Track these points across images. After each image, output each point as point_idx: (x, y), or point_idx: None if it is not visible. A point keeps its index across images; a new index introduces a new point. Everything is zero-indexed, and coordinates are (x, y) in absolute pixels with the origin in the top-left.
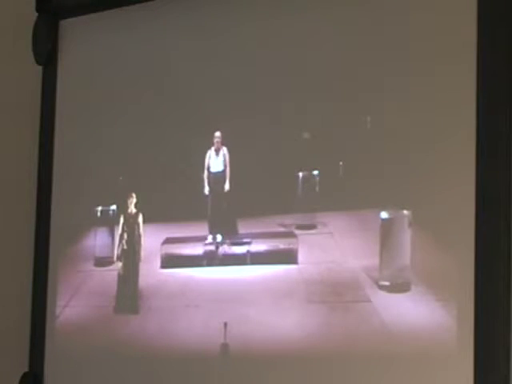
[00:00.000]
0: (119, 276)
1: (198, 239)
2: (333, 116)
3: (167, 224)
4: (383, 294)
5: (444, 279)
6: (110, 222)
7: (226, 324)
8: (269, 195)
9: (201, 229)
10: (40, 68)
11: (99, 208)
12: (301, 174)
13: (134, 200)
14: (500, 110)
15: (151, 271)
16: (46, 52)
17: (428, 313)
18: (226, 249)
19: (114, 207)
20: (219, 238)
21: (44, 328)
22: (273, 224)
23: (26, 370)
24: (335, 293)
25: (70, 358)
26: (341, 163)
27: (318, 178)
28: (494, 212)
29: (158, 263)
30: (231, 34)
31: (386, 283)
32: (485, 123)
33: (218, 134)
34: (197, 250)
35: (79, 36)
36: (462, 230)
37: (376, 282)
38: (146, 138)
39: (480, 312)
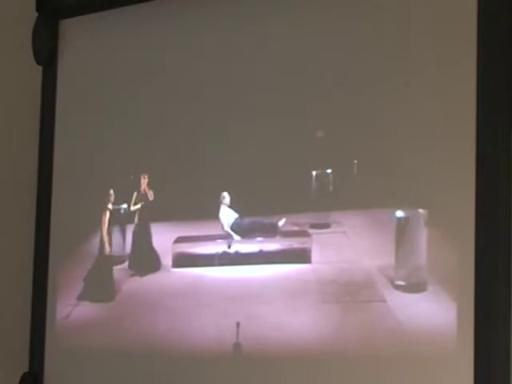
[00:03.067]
0: (129, 273)
1: (210, 238)
2: (347, 114)
3: (179, 223)
4: (399, 293)
5: (461, 279)
6: (120, 220)
7: (238, 324)
8: (282, 194)
9: (213, 228)
10: (40, 68)
11: (110, 206)
12: (314, 173)
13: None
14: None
15: (163, 270)
16: (46, 52)
17: (444, 313)
18: (238, 248)
19: (124, 206)
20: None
21: (44, 328)
22: (286, 223)
23: (26, 370)
24: (349, 292)
25: (70, 358)
26: (355, 161)
27: (331, 177)
28: (507, 211)
29: (170, 262)
30: (232, 33)
31: (402, 283)
32: (493, 120)
33: None
34: (209, 249)
35: (79, 36)
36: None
37: (391, 282)
38: (148, 137)
39: (486, 312)
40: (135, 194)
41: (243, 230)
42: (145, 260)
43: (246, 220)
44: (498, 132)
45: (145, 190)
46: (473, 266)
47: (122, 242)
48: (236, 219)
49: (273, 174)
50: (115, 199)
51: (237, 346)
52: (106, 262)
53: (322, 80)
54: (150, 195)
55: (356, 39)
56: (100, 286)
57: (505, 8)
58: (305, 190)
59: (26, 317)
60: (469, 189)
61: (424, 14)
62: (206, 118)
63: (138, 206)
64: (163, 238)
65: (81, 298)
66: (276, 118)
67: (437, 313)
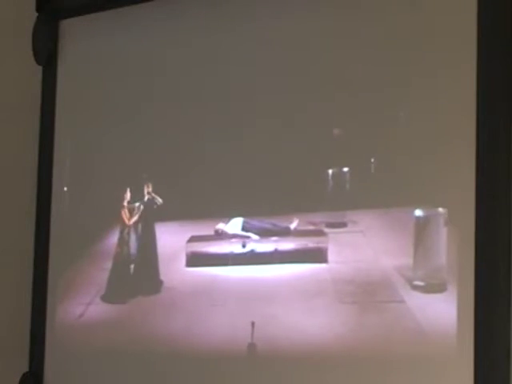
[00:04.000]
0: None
1: (224, 237)
2: (364, 112)
3: (192, 222)
4: (417, 294)
5: (461, 279)
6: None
7: (253, 324)
8: (298, 193)
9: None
10: (40, 68)
11: (125, 204)
12: (331, 171)
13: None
14: None
15: (176, 270)
16: (46, 52)
17: (458, 313)
18: (253, 247)
19: (137, 205)
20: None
21: (44, 328)
22: (302, 222)
23: (26, 370)
24: (366, 293)
25: (70, 358)
26: (372, 160)
27: (348, 175)
28: (507, 211)
29: (183, 261)
30: (233, 33)
31: (421, 283)
32: (493, 120)
33: None
34: (223, 248)
35: (79, 36)
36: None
37: (409, 282)
38: (149, 136)
39: (486, 311)
40: (136, 207)
41: (255, 232)
42: (149, 267)
43: (251, 222)
44: (498, 132)
45: (149, 196)
46: (472, 266)
47: (133, 242)
48: (243, 223)
49: (289, 173)
50: (119, 199)
51: (251, 346)
52: (116, 263)
53: (340, 77)
54: (158, 200)
55: (358, 40)
56: (110, 287)
57: (505, 8)
58: (321, 188)
59: (26, 317)
60: (469, 190)
61: (424, 15)
62: (219, 116)
63: (136, 217)
64: (177, 238)
65: (92, 297)
66: (293, 116)
67: (455, 313)
